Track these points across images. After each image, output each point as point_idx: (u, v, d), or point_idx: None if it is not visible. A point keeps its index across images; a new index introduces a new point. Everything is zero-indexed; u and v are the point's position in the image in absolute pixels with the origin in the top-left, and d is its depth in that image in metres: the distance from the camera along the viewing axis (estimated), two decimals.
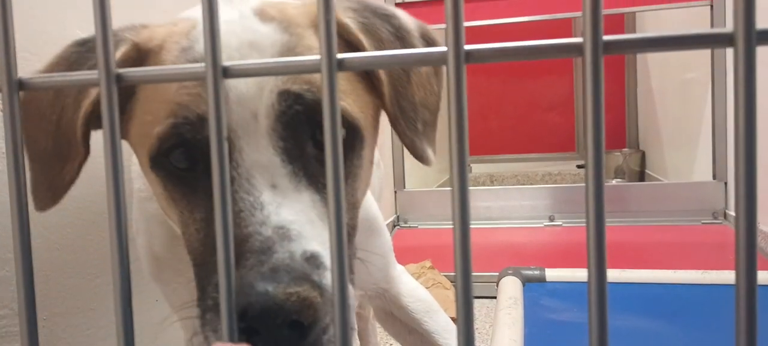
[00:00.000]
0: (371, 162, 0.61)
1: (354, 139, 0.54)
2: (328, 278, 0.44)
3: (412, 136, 0.57)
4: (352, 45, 0.55)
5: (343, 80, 0.54)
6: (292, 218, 0.46)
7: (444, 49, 0.27)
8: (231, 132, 0.49)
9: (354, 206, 0.57)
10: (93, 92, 0.55)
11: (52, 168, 0.57)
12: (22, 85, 0.31)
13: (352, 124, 0.53)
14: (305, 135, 0.51)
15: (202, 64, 0.29)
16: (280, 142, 0.49)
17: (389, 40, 0.57)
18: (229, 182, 0.48)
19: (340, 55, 0.28)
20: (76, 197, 0.87)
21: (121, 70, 0.30)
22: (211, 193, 0.50)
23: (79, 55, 0.56)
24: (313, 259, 0.44)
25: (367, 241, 0.78)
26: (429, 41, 0.61)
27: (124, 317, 0.31)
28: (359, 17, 0.56)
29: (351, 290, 0.52)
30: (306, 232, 0.45)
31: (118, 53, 0.54)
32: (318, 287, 0.43)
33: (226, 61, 0.49)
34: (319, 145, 0.52)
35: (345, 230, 0.29)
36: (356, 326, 0.51)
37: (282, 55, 0.51)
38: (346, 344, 0.31)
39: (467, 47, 0.27)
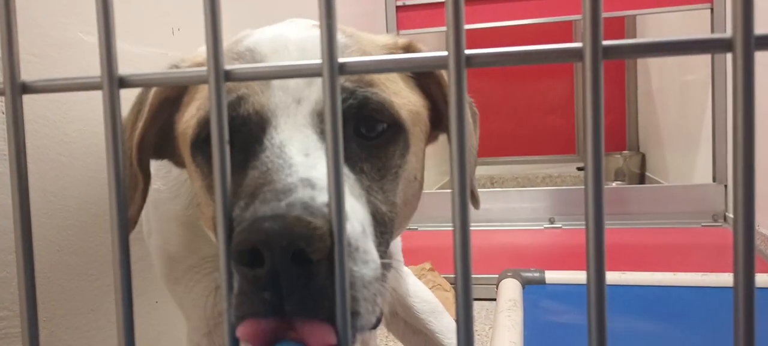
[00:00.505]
0: (415, 178, 0.59)
1: (397, 134, 0.55)
2: (349, 231, 0.42)
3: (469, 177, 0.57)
4: (434, 81, 0.62)
5: (395, 79, 0.57)
6: (322, 176, 0.43)
7: (444, 53, 0.27)
8: (268, 112, 0.51)
9: (394, 205, 0.54)
10: (140, 123, 0.59)
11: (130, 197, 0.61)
12: (25, 88, 0.32)
13: (395, 119, 0.54)
14: (349, 126, 0.52)
15: (204, 68, 0.29)
16: (319, 125, 0.50)
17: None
18: (252, 158, 0.49)
19: (341, 60, 0.28)
20: (77, 199, 0.87)
21: (124, 74, 0.30)
22: (243, 165, 0.51)
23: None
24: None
25: None
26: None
27: (125, 319, 0.31)
28: None
29: (387, 276, 0.49)
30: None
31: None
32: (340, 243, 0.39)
33: (270, 53, 0.54)
34: (363, 137, 0.53)
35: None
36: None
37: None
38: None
39: (468, 52, 0.27)
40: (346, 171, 0.50)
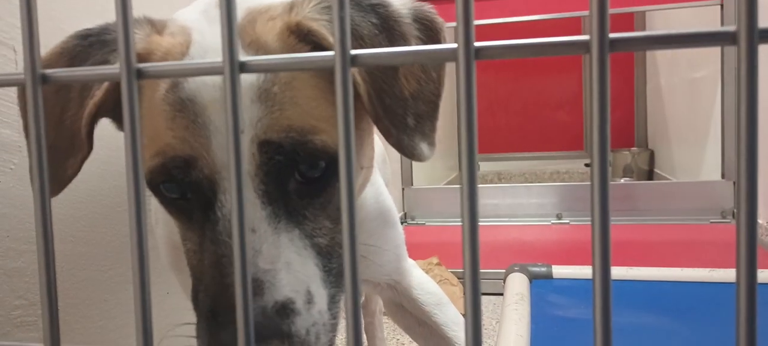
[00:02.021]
0: (361, 167, 0.61)
1: (336, 167, 0.53)
2: (297, 322, 0.49)
3: (400, 133, 0.54)
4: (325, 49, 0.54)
5: (320, 106, 0.53)
6: (267, 267, 0.49)
7: (454, 45, 0.28)
8: (216, 174, 0.51)
9: (336, 226, 0.57)
10: (98, 91, 0.56)
11: (53, 160, 0.58)
12: (45, 79, 0.32)
13: (333, 157, 0.53)
14: (286, 175, 0.52)
15: (220, 59, 0.30)
16: (261, 186, 0.51)
17: (372, 35, 0.55)
18: (215, 222, 0.51)
19: (353, 52, 0.29)
20: (90, 191, 0.89)
21: (142, 66, 0.31)
22: (203, 221, 0.54)
23: (82, 49, 0.57)
24: (283, 309, 0.49)
25: (381, 233, 0.79)
26: (426, 23, 0.58)
27: (143, 308, 0.32)
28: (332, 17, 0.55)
29: (340, 305, 0.56)
30: (279, 280, 0.49)
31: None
32: (287, 336, 0.48)
33: (210, 103, 0.51)
34: (303, 177, 0.53)
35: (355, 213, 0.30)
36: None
37: (257, 97, 0.51)
38: None
39: (477, 44, 0.27)
40: (288, 234, 0.52)
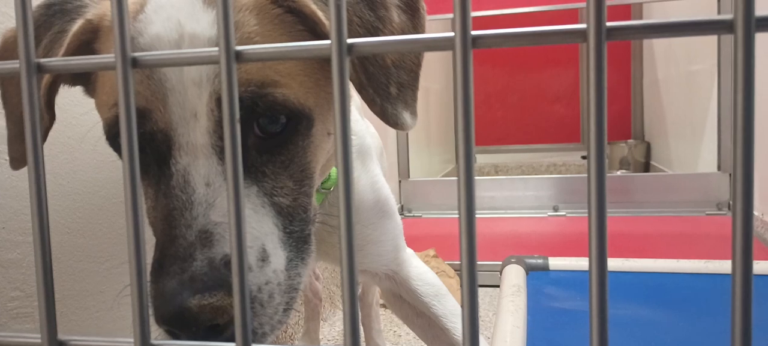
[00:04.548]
0: (328, 133, 0.60)
1: (298, 124, 0.54)
2: (248, 278, 0.48)
3: (383, 102, 0.55)
4: (308, 17, 0.54)
5: (284, 65, 0.53)
6: (219, 219, 0.49)
7: (451, 34, 0.28)
8: (171, 130, 0.51)
9: (309, 178, 0.57)
10: (57, 53, 0.55)
11: (20, 133, 0.60)
12: (40, 68, 0.32)
13: (294, 112, 0.53)
14: (246, 130, 0.52)
15: (216, 48, 0.30)
16: (219, 141, 0.51)
17: (353, 2, 0.55)
18: (169, 177, 0.51)
19: (349, 40, 0.29)
20: (85, 182, 0.88)
21: (137, 55, 0.31)
22: (160, 176, 0.53)
23: (46, 19, 0.57)
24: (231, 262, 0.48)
25: (379, 222, 0.79)
26: (410, 4, 0.59)
27: (139, 295, 0.32)
28: None
29: (302, 270, 0.55)
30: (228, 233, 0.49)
31: (75, 26, 0.55)
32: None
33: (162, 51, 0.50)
34: (264, 133, 0.53)
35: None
36: (295, 308, 0.56)
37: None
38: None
39: (474, 32, 0.27)
40: (246, 189, 0.52)
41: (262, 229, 0.52)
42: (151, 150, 0.53)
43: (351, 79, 0.55)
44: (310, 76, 0.55)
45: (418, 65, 0.59)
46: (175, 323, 0.45)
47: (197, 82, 0.50)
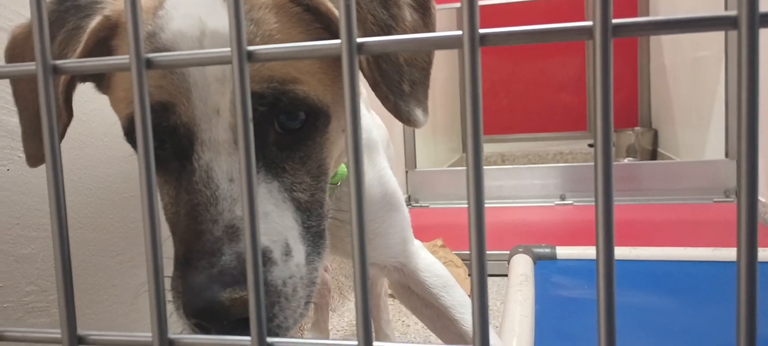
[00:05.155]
0: (339, 138, 0.61)
1: (316, 120, 0.55)
2: (274, 272, 0.49)
3: (396, 99, 0.56)
4: (331, 24, 0.55)
5: (305, 63, 0.54)
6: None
7: (459, 33, 0.28)
8: (194, 126, 0.51)
9: (325, 174, 0.58)
10: (71, 57, 0.55)
11: (37, 130, 0.59)
12: (56, 69, 0.33)
13: (313, 108, 0.54)
14: (267, 126, 0.53)
15: (228, 49, 0.31)
16: None
17: (366, 1, 0.55)
18: (191, 173, 0.51)
19: (359, 40, 0.29)
20: (97, 177, 0.89)
21: (151, 56, 0.32)
22: (179, 172, 0.54)
23: (58, 14, 0.57)
24: (263, 252, 0.49)
25: (386, 216, 0.80)
26: (422, 3, 0.59)
27: (157, 291, 0.32)
28: None
29: (318, 265, 0.56)
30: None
31: (92, 23, 0.55)
32: (263, 285, 0.47)
33: (187, 50, 0.50)
34: (283, 129, 0.54)
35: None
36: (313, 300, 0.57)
37: None
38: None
39: (482, 31, 0.28)
40: (267, 185, 0.52)
41: (285, 223, 0.52)
42: (172, 144, 0.53)
43: (365, 77, 0.55)
44: (328, 73, 0.56)
45: (430, 63, 0.59)
46: (206, 316, 0.46)
47: (220, 79, 0.51)
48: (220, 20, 0.52)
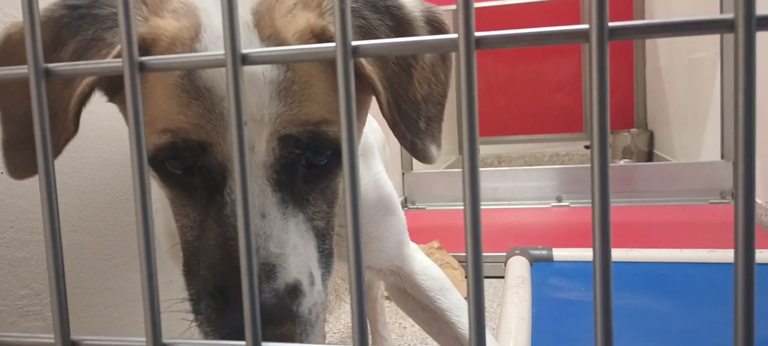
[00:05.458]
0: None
1: (340, 157, 0.55)
2: (304, 303, 0.51)
3: (413, 137, 0.57)
4: (368, 87, 0.56)
5: (333, 100, 0.54)
6: (278, 251, 0.51)
7: (455, 36, 0.28)
8: (229, 162, 0.52)
9: (337, 199, 0.60)
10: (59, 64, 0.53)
11: (29, 135, 0.55)
12: (48, 73, 0.33)
13: (340, 147, 0.54)
14: (297, 164, 0.54)
15: (222, 52, 0.30)
16: (274, 175, 0.52)
17: (388, 35, 0.56)
18: (223, 206, 0.52)
19: (354, 43, 0.29)
20: (91, 181, 0.89)
21: (144, 59, 0.31)
22: (207, 199, 0.54)
23: (70, 20, 0.54)
24: (293, 291, 0.51)
25: (382, 219, 0.80)
26: (437, 25, 0.60)
27: (150, 295, 0.32)
28: (355, 19, 0.55)
29: (328, 283, 0.59)
30: (288, 263, 0.51)
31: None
32: (296, 317, 0.50)
33: (226, 96, 0.50)
34: (309, 164, 0.55)
35: (360, 207, 0.31)
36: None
37: (277, 94, 0.52)
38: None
39: (477, 34, 0.28)
40: (295, 219, 0.54)
41: (309, 253, 0.54)
42: (202, 179, 0.54)
43: (385, 118, 0.56)
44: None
45: (445, 97, 0.60)
46: None
47: (257, 119, 0.51)
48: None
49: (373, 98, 0.59)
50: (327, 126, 0.53)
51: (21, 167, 0.57)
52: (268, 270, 0.50)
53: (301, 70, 0.53)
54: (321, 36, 0.55)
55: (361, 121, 0.65)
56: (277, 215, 0.52)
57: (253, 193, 0.52)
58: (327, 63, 0.55)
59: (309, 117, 0.52)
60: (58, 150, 0.55)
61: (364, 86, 0.55)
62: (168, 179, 0.56)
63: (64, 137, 0.54)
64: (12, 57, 0.57)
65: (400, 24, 0.57)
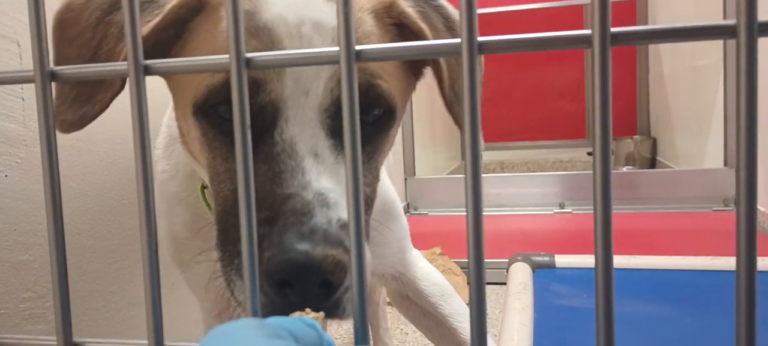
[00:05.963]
0: (394, 139, 0.64)
1: (389, 118, 0.57)
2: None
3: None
4: (413, 34, 0.58)
5: (388, 64, 0.57)
6: (331, 186, 0.49)
7: (458, 40, 0.28)
8: (280, 102, 0.52)
9: (378, 175, 0.61)
10: (148, 25, 0.53)
11: (82, 93, 0.56)
12: (54, 76, 0.33)
13: (390, 106, 0.56)
14: None
15: (227, 56, 0.31)
16: (328, 119, 0.52)
17: (442, 30, 0.60)
18: (271, 148, 0.51)
19: (357, 47, 0.29)
20: (95, 184, 0.89)
21: (149, 62, 0.32)
22: (254, 144, 0.53)
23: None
24: (346, 227, 0.47)
25: (385, 224, 0.80)
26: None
27: (153, 299, 0.32)
28: (418, 7, 0.60)
29: (367, 253, 0.55)
30: (341, 202, 0.49)
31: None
32: (349, 252, 0.46)
33: (286, 37, 0.52)
34: (362, 123, 0.54)
35: (362, 200, 0.31)
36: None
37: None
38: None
39: (480, 39, 0.28)
40: (341, 166, 0.53)
41: None
42: (253, 120, 0.52)
43: (444, 97, 0.61)
44: (402, 79, 0.60)
45: (481, 90, 0.66)
46: (295, 271, 0.44)
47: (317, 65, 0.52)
48: (318, 12, 0.53)
49: (417, 85, 0.65)
50: (381, 80, 0.55)
51: (70, 122, 0.57)
52: (322, 199, 0.48)
53: (364, 25, 0.56)
54: (391, 12, 0.59)
55: (402, 109, 0.65)
56: (330, 157, 0.51)
57: (305, 135, 0.52)
58: (386, 28, 0.59)
59: (366, 66, 0.53)
60: (105, 104, 0.56)
61: (414, 70, 0.61)
62: (213, 128, 0.55)
63: (112, 92, 0.55)
64: (71, 22, 0.56)
65: (448, 21, 0.61)
